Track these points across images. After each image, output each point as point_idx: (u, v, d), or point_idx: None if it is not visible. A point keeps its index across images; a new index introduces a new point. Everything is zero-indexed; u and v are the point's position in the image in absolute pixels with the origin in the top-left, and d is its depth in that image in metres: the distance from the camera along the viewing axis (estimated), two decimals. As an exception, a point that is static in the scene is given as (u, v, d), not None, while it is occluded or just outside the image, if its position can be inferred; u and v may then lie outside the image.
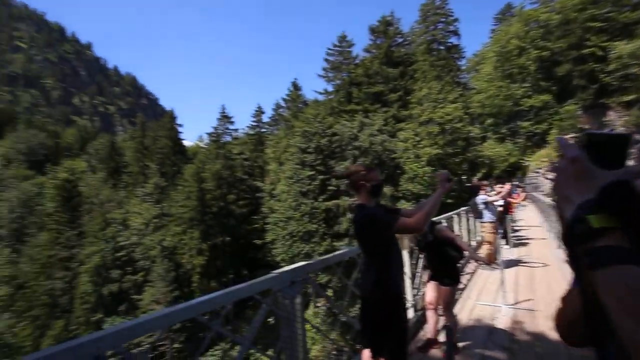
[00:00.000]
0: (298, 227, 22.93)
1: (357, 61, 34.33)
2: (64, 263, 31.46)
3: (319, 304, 21.71)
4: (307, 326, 2.56)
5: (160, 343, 23.62)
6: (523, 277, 6.46)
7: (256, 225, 29.72)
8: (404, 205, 21.91)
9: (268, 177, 30.37)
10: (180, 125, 43.50)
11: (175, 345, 24.58)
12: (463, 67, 38.13)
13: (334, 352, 18.80)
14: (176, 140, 41.78)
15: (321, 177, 23.68)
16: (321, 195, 23.60)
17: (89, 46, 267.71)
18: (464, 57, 37.46)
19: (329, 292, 17.03)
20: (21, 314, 31.30)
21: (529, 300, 5.12)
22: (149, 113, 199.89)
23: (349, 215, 22.50)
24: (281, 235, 24.24)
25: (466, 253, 4.01)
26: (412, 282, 4.67)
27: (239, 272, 30.57)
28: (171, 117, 42.96)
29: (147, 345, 18.08)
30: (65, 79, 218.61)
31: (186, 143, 47.91)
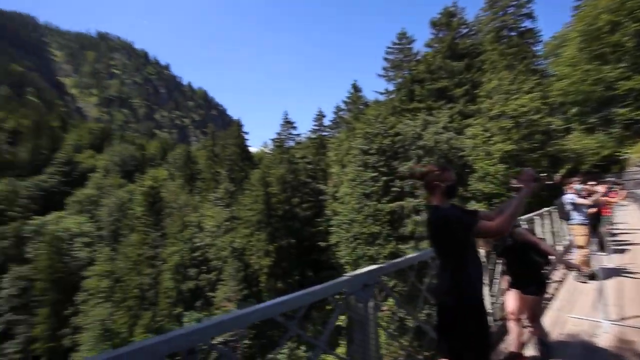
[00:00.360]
0: (361, 229, 22.74)
1: (418, 57, 33.13)
2: (150, 261, 35.16)
3: (383, 308, 21.25)
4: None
5: (232, 339, 25.11)
6: (628, 289, 5.56)
7: (320, 228, 30.15)
8: (474, 206, 20.52)
9: (331, 179, 30.67)
10: (246, 133, 46.19)
11: (245, 342, 25.94)
12: (539, 53, 34.33)
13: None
14: (243, 147, 44.35)
15: (384, 178, 23.22)
16: (385, 197, 23.13)
17: (167, 67, 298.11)
18: (540, 42, 33.67)
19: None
20: (118, 304, 35.65)
21: (638, 317, 4.39)
22: (218, 123, 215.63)
23: (414, 217, 21.70)
24: (344, 237, 24.25)
25: (552, 258, 3.59)
26: (490, 290, 4.30)
27: (303, 274, 31.24)
28: (238, 126, 45.77)
29: (221, 341, 19.34)
30: (149, 97, 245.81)
31: (252, 149, 50.65)
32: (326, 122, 39.64)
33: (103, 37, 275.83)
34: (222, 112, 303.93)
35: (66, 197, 58.20)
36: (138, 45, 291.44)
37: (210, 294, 30.32)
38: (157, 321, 32.10)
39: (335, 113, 37.15)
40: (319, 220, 30.76)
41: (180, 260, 31.37)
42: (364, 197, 23.49)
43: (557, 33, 37.21)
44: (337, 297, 2.21)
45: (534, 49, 32.56)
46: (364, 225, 22.68)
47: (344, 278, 2.24)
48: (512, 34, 32.38)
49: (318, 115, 37.17)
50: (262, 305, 1.65)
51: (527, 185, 2.21)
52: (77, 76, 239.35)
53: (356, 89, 36.93)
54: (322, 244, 29.61)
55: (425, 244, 20.66)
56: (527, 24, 32.75)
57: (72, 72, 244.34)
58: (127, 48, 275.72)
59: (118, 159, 68.95)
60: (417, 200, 22.19)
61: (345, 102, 37.56)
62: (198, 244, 32.22)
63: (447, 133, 23.25)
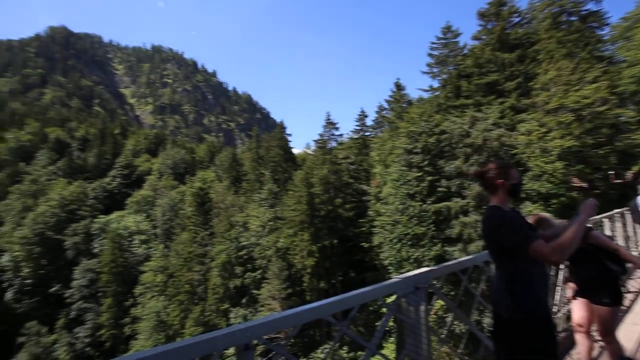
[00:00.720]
0: (405, 230, 22.16)
1: (465, 51, 31.63)
2: (200, 258, 37.04)
3: (433, 312, 20.52)
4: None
5: (279, 337, 25.62)
6: None
7: (362, 229, 29.86)
8: (528, 207, 19.19)
9: (374, 180, 30.28)
10: (289, 135, 47.09)
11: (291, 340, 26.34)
12: (606, 37, 30.94)
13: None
14: (286, 149, 45.22)
15: (429, 178, 22.44)
16: (429, 197, 22.36)
17: (214, 74, 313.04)
18: (606, 25, 30.28)
19: (441, 302, 15.84)
20: (171, 298, 37.99)
21: None
22: (262, 126, 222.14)
23: (462, 219, 20.73)
24: (388, 238, 23.79)
25: (630, 266, 3.21)
26: (552, 298, 3.96)
27: (346, 274, 31.14)
28: (281, 128, 46.78)
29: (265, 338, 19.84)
30: (197, 103, 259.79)
31: (295, 151, 51.53)
32: (368, 122, 39.30)
33: (157, 49, 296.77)
34: (265, 115, 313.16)
35: (126, 197, 63.26)
36: (187, 55, 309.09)
37: (255, 291, 31.22)
38: (206, 316, 33.71)
39: (378, 112, 36.66)
40: (361, 221, 30.48)
41: (227, 259, 32.67)
42: (408, 197, 22.86)
43: (627, 13, 33.24)
44: (388, 299, 2.14)
45: (599, 33, 29.45)
46: (409, 227, 22.08)
47: (394, 280, 2.16)
48: (573, 18, 29.62)
49: (360, 115, 36.90)
50: (313, 305, 1.64)
51: (586, 213, 2.04)
52: (135, 87, 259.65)
53: (399, 87, 36.13)
54: (365, 244, 29.29)
55: (474, 247, 19.65)
56: (590, 6, 29.71)
57: (131, 83, 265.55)
58: (177, 58, 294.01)
59: (170, 162, 73.57)
60: (465, 201, 21.17)
61: (388, 101, 36.90)
62: (244, 243, 33.34)
63: (497, 129, 21.92)
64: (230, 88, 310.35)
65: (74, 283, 45.74)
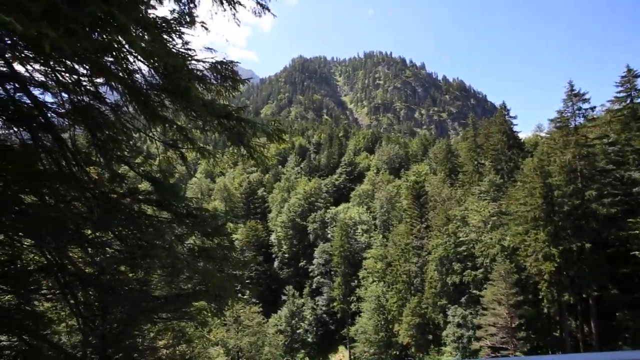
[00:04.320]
0: None
1: None
2: (416, 250, 37.38)
3: None
4: None
5: None
6: None
7: (635, 232, 21.82)
8: None
9: (654, 164, 21.50)
10: (513, 118, 40.37)
11: None
12: None
13: None
14: (510, 134, 39.05)
15: None
16: None
17: (422, 66, 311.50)
18: None
19: None
20: (389, 285, 40.30)
21: None
22: (478, 112, 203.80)
23: None
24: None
25: None
26: None
27: (604, 288, 23.70)
28: (502, 110, 40.78)
29: None
30: (407, 99, 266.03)
31: (521, 135, 43.84)
32: (640, 84, 27.90)
33: (368, 55, 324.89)
34: (481, 100, 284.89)
35: (350, 191, 72.41)
36: (396, 54, 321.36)
37: (476, 292, 28.60)
38: (422, 307, 33.74)
39: None
40: (631, 220, 22.29)
41: (444, 253, 31.48)
42: None
43: None
44: None
45: None
46: None
47: None
48: None
49: (626, 76, 26.64)
50: None
51: None
52: (352, 93, 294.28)
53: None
54: (639, 253, 21.28)
55: None
56: None
57: (349, 90, 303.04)
58: (387, 60, 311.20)
59: (386, 158, 78.46)
60: None
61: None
62: (462, 239, 31.18)
63: None
64: (440, 77, 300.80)
65: (314, 261, 56.44)
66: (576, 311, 26.29)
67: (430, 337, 33.55)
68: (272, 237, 65.58)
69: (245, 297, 34.47)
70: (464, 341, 28.44)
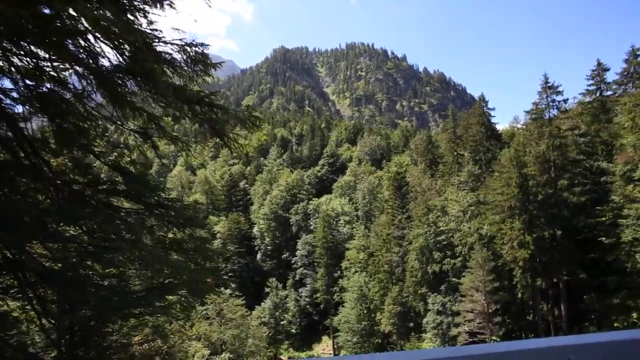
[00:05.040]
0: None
1: None
2: (398, 240, 37.95)
3: None
4: None
5: None
6: None
7: (602, 219, 22.84)
8: None
9: (621, 154, 22.38)
10: (491, 110, 41.22)
11: None
12: None
13: None
14: (488, 126, 39.90)
15: None
16: None
17: (404, 58, 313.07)
18: None
19: None
20: (372, 275, 40.86)
21: None
22: (457, 104, 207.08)
23: None
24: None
25: None
26: None
27: (574, 274, 24.83)
28: (481, 102, 41.55)
29: None
30: (389, 90, 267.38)
31: (499, 127, 44.90)
32: (610, 77, 28.99)
33: (350, 46, 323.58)
34: (461, 92, 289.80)
35: (332, 183, 72.55)
36: (377, 45, 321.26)
37: (455, 279, 29.41)
38: (404, 296, 34.43)
39: (630, 60, 25.96)
40: (599, 208, 23.32)
41: (424, 243, 32.09)
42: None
43: None
44: None
45: None
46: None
47: None
48: None
49: (596, 70, 27.56)
50: None
51: None
52: (334, 85, 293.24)
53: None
54: (605, 239, 22.36)
55: None
56: None
57: (331, 82, 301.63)
58: (368, 50, 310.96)
59: (368, 149, 78.83)
60: None
61: (644, 43, 26.16)
62: (442, 228, 31.84)
63: None
64: (421, 69, 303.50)
65: (297, 252, 56.50)
66: (548, 296, 27.46)
67: (411, 324, 34.31)
68: (255, 230, 65.10)
69: (228, 290, 34.11)
70: (444, 327, 29.26)
